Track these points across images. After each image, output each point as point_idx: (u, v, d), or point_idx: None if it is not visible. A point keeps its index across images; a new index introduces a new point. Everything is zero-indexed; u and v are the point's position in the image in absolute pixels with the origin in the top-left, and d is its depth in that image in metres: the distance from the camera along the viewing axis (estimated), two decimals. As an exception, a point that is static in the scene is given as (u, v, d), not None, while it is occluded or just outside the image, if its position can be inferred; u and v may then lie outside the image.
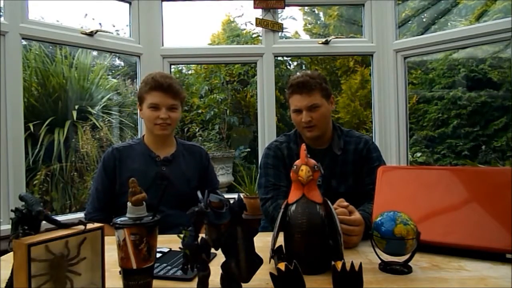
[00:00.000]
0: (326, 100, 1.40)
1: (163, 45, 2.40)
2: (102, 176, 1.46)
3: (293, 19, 4.54)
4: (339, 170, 1.40)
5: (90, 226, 0.68)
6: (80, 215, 2.12)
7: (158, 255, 0.94)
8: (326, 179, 1.39)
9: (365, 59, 4.41)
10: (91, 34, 2.14)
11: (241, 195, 0.88)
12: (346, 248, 1.00)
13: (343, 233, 1.00)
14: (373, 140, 2.27)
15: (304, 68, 4.89)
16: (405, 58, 2.39)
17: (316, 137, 1.41)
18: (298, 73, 1.43)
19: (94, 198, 1.46)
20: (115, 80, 3.82)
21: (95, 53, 3.45)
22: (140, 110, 1.50)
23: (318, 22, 5.29)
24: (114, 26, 3.07)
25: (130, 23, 2.36)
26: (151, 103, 1.43)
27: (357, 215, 1.06)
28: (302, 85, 1.36)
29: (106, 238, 0.71)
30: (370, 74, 2.59)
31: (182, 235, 0.69)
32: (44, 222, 0.65)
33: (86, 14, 3.00)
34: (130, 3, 2.33)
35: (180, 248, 0.68)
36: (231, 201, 0.70)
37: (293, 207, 0.84)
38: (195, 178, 1.52)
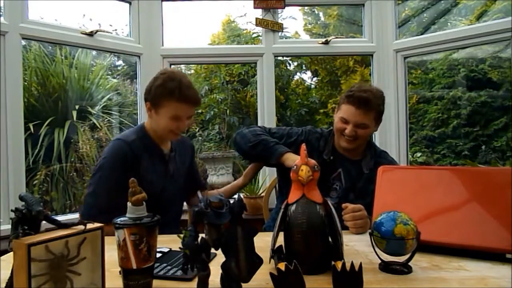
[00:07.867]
0: (376, 122, 1.43)
1: (163, 45, 2.40)
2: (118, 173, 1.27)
3: (293, 19, 4.53)
4: (361, 186, 1.42)
5: (90, 226, 0.68)
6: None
7: (158, 255, 0.94)
8: (346, 191, 1.42)
9: (365, 59, 4.40)
10: (91, 34, 2.13)
11: (241, 195, 0.88)
12: (358, 233, 1.14)
13: (349, 220, 1.15)
14: (374, 141, 2.28)
15: (304, 68, 4.88)
16: (405, 58, 2.39)
17: (350, 149, 1.45)
18: (362, 84, 1.46)
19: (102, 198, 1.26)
20: (115, 80, 3.82)
21: (95, 53, 3.45)
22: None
23: (318, 22, 5.28)
24: (111, 25, 3.07)
25: (130, 23, 2.36)
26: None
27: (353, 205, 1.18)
28: (363, 101, 1.36)
29: (106, 238, 0.71)
30: (370, 74, 2.58)
31: (182, 235, 0.69)
32: (44, 222, 0.65)
33: (84, 15, 3.00)
34: (130, 3, 2.33)
35: (180, 248, 0.68)
36: (231, 201, 0.70)
37: (293, 207, 0.84)
38: (185, 174, 1.50)
